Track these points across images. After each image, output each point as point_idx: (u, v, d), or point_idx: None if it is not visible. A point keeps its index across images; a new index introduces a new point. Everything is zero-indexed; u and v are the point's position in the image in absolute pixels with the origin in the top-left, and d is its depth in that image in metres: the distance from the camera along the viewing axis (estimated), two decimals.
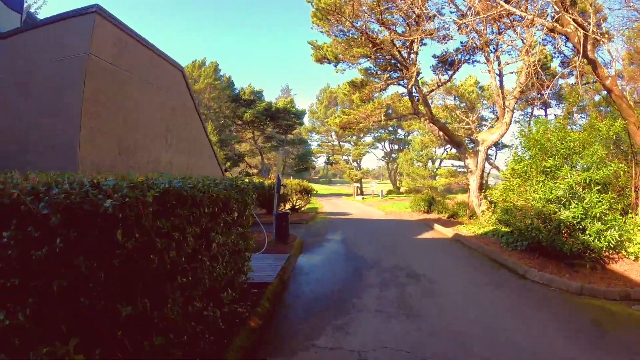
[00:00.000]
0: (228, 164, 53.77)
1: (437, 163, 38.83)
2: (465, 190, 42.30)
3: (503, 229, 11.58)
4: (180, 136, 8.17)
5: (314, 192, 20.66)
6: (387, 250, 10.12)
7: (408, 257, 9.29)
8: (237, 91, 48.27)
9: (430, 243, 11.82)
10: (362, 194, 47.72)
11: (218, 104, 46.74)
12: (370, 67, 17.04)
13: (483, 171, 16.45)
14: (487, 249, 10.17)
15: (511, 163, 10.14)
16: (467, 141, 27.78)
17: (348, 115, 16.59)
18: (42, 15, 39.17)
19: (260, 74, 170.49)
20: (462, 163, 39.15)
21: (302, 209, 20.71)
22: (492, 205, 15.22)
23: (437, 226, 15.44)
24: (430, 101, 24.04)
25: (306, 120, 53.47)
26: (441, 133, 16.51)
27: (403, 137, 55.37)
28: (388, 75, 15.77)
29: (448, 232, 13.81)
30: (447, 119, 27.70)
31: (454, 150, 40.79)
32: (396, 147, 57.34)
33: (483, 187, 16.77)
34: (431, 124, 16.29)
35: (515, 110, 16.99)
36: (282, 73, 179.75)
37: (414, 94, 16.79)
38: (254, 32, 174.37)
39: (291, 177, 55.21)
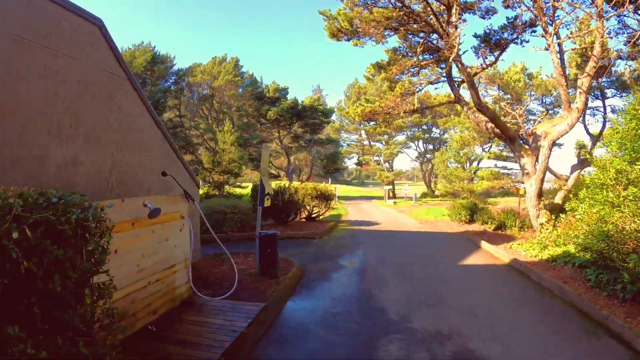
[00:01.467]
0: (249, 166, 51.84)
1: (476, 163, 34.90)
2: (506, 193, 37.92)
3: (580, 255, 8.26)
4: (98, 123, 5.47)
5: (334, 197, 17.66)
6: (422, 292, 6.98)
7: (454, 309, 6.12)
8: (260, 89, 45.99)
9: (482, 275, 8.56)
10: (394, 197, 44.29)
11: (240, 102, 44.58)
12: (399, 48, 13.92)
13: (545, 173, 12.99)
14: (568, 292, 6.87)
15: (619, 162, 6.72)
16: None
17: (372, 103, 13.54)
18: None
19: (292, 77, 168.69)
20: (506, 164, 35.08)
21: (321, 217, 17.79)
22: (554, 218, 11.82)
23: (485, 245, 12.15)
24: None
25: (335, 119, 50.53)
26: (489, 125, 13.17)
27: (438, 135, 51.35)
28: (420, 53, 12.57)
29: (501, 255, 10.51)
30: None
31: (496, 149, 36.70)
32: (431, 147, 53.37)
33: (542, 193, 13.31)
34: (477, 114, 12.97)
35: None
36: (314, 76, 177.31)
37: (453, 78, 13.52)
38: (285, 35, 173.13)
39: (307, 179, 52.52)
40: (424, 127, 49.32)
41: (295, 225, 15.01)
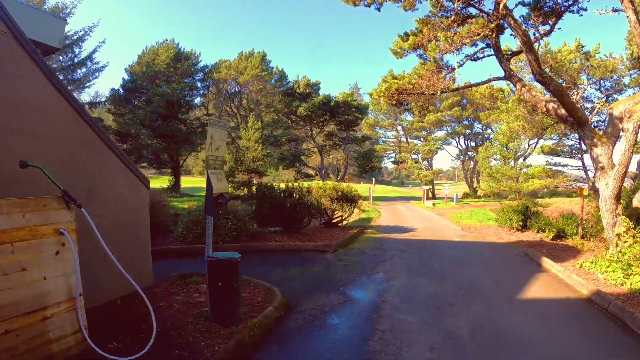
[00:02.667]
0: (280, 166, 49.74)
1: (522, 160, 30.65)
2: (554, 193, 33.16)
3: None
4: None
5: (359, 199, 14.96)
6: None
7: None
8: (290, 84, 43.76)
9: (557, 323, 5.49)
10: (433, 197, 40.77)
11: (269, 99, 42.53)
12: (432, 17, 10.92)
13: (627, 168, 9.69)
14: None
15: None
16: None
17: (400, 80, 10.67)
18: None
19: (327, 78, 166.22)
20: (560, 159, 30.78)
21: (344, 222, 15.08)
22: (633, 227, 8.60)
23: (547, 263, 9.06)
24: (519, 73, 17.51)
25: (369, 115, 47.43)
26: (550, 105, 10.01)
27: (480, 130, 47.08)
28: (458, 10, 9.53)
29: (575, 282, 7.39)
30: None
31: (548, 142, 32.19)
32: (472, 144, 49.18)
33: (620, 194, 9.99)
34: (533, 92, 9.88)
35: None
36: (349, 76, 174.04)
37: (502, 51, 10.42)
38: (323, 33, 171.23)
39: (342, 179, 49.77)
40: (465, 122, 45.25)
41: (308, 233, 12.39)
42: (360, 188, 44.91)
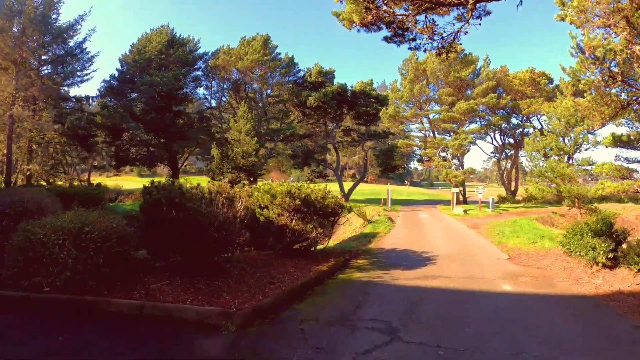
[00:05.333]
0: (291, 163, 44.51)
1: (580, 154, 23.80)
2: (604, 198, 26.06)
3: None
4: None
5: (340, 211, 9.50)
6: None
7: None
8: (302, 72, 38.50)
9: None
10: (464, 202, 34.60)
11: (276, 89, 37.44)
12: None
13: None
14: None
15: None
16: None
17: None
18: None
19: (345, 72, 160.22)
20: (634, 153, 23.96)
21: (323, 245, 9.73)
22: None
23: None
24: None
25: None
26: None
27: (520, 122, 39.87)
28: None
29: None
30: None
31: (621, 130, 24.87)
32: (511, 140, 42.22)
33: None
34: None
35: None
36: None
37: None
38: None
39: (363, 180, 44.06)
40: (501, 113, 38.16)
41: (231, 270, 7.07)
42: (383, 190, 39.39)
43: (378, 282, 7.61)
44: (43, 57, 30.17)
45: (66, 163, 39.48)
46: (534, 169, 22.43)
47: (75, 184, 32.19)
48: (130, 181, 50.12)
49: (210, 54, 38.06)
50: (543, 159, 22.61)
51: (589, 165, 21.26)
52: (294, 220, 8.29)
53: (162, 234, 6.23)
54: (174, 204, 6.03)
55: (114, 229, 6.61)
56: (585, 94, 15.01)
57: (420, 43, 7.25)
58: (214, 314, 5.15)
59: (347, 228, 18.95)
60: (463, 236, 15.02)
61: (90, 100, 35.10)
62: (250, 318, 5.17)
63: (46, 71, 30.41)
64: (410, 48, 7.35)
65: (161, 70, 33.39)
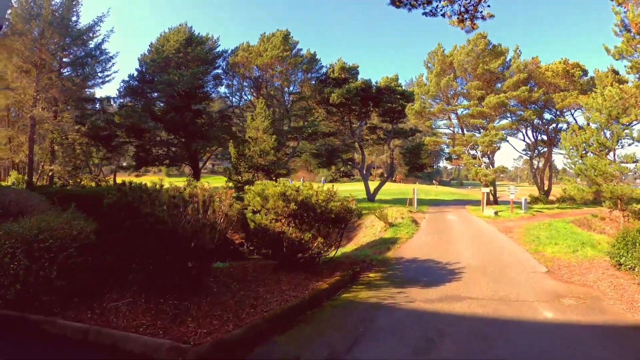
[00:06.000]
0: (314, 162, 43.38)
1: (622, 149, 21.16)
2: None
3: None
4: None
5: (348, 217, 8.26)
6: None
7: None
8: (324, 69, 37.30)
9: None
10: (495, 202, 32.58)
11: (298, 85, 36.45)
12: None
13: None
14: None
15: None
16: None
17: None
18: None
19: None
20: None
21: (331, 254, 8.55)
22: None
23: None
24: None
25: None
26: None
27: (553, 117, 37.10)
28: None
29: None
30: None
31: None
32: (544, 137, 39.52)
33: None
34: None
35: None
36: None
37: None
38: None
39: (389, 179, 42.40)
40: (534, 107, 35.54)
41: (207, 287, 6.00)
42: (410, 190, 37.75)
43: (388, 305, 6.33)
44: (64, 60, 30.30)
45: (92, 163, 39.84)
46: (573, 166, 20.38)
47: (102, 184, 32.42)
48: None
49: (229, 51, 37.44)
50: (583, 153, 20.46)
51: (634, 162, 19.05)
52: (290, 228, 7.13)
53: (121, 242, 5.25)
54: (131, 208, 5.01)
55: (75, 237, 5.71)
56: (630, 81, 13.20)
57: (437, 6, 5.91)
58: (164, 348, 4.07)
59: (368, 231, 17.69)
60: (494, 242, 13.49)
61: (112, 101, 35.20)
62: (208, 357, 4.04)
63: (67, 73, 30.46)
64: (424, 13, 6.01)
65: (180, 69, 32.97)
